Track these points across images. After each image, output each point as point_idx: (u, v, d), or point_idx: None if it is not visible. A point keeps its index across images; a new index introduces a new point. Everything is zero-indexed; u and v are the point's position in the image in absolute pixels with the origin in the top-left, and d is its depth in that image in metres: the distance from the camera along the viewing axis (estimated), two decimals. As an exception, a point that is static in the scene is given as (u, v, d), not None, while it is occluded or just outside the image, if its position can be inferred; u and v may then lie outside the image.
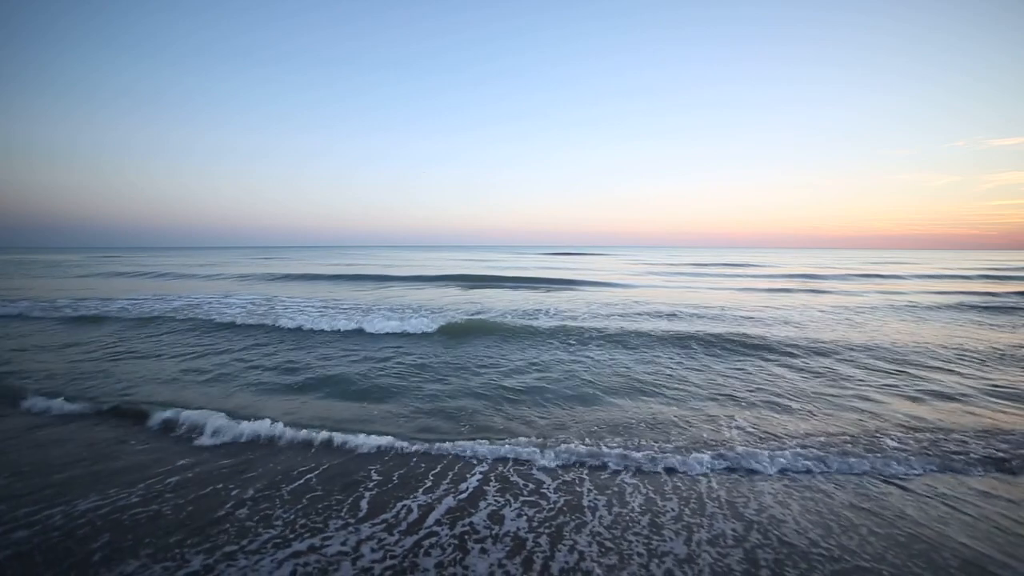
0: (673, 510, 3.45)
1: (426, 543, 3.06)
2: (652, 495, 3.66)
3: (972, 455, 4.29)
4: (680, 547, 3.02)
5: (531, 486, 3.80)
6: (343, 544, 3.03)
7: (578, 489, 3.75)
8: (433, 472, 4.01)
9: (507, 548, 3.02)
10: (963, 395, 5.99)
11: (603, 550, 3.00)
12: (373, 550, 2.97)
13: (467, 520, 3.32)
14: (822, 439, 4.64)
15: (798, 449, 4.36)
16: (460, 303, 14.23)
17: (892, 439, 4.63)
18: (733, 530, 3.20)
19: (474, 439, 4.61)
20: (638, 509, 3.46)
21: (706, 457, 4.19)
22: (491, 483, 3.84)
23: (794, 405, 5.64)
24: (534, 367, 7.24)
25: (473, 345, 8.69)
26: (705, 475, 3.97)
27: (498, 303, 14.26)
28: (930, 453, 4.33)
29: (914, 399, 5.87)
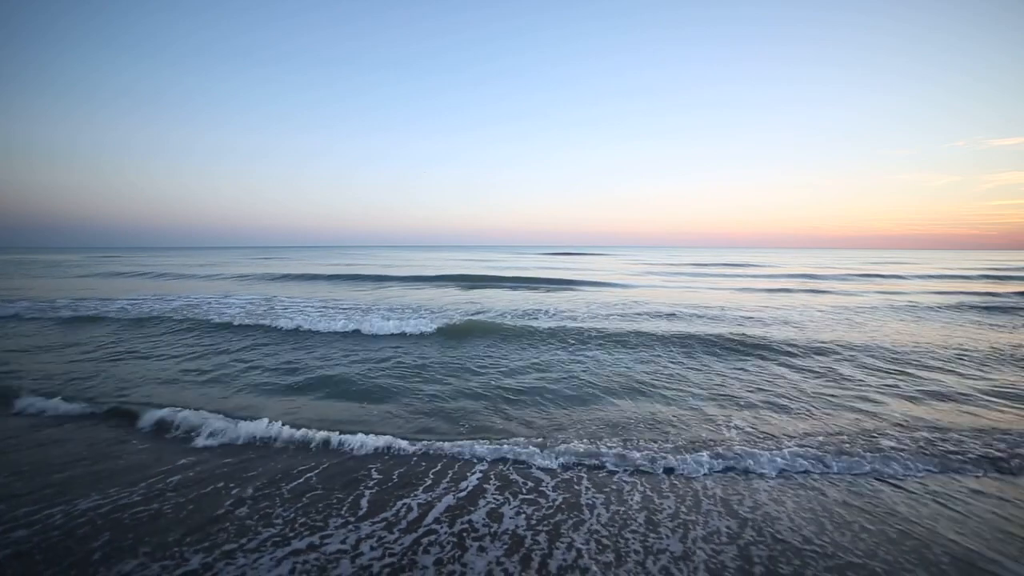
0: (670, 508, 3.46)
1: (425, 541, 3.07)
2: (649, 493, 3.67)
3: (969, 455, 4.30)
4: (676, 544, 3.04)
5: (530, 484, 3.82)
6: (343, 542, 3.04)
7: (576, 488, 3.77)
8: (433, 471, 4.03)
9: (505, 546, 3.04)
10: (962, 395, 6.00)
11: (600, 547, 3.01)
12: (372, 548, 2.99)
13: (466, 518, 3.34)
14: (820, 439, 4.66)
15: (795, 448, 4.38)
16: (460, 303, 14.25)
17: (890, 439, 4.64)
18: (728, 528, 3.22)
19: (474, 439, 4.62)
20: (636, 507, 3.48)
21: (704, 457, 4.20)
22: (490, 481, 3.85)
23: (793, 405, 5.66)
24: (534, 367, 7.25)
25: (473, 345, 8.71)
26: (703, 475, 3.98)
27: (498, 303, 14.28)
28: (927, 453, 4.35)
29: (913, 399, 5.88)
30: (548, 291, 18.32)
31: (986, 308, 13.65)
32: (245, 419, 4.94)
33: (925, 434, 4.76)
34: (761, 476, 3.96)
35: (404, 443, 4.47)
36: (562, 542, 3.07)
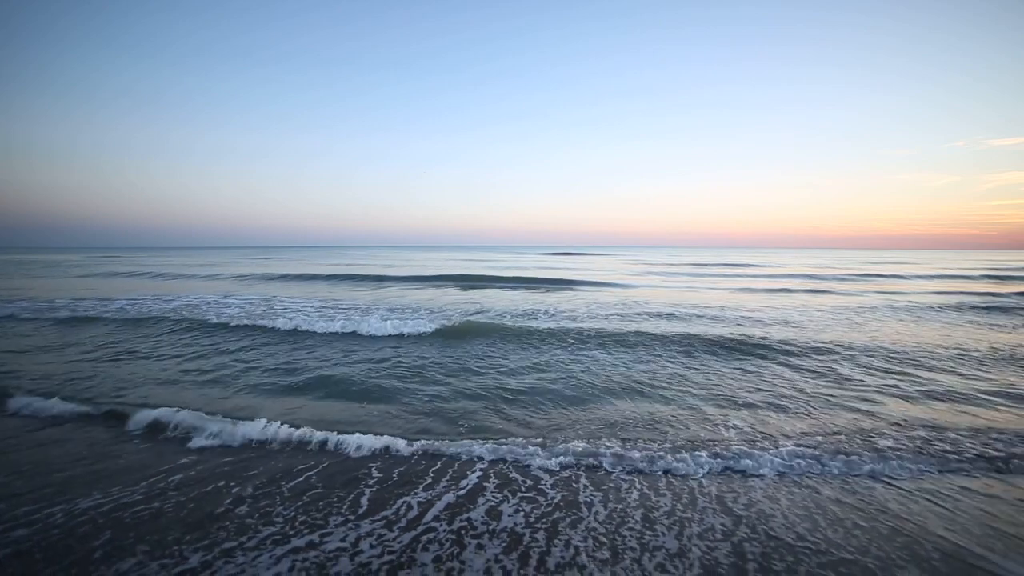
0: (666, 507, 3.49)
1: (424, 538, 3.09)
2: (647, 492, 3.69)
3: (966, 454, 4.32)
4: (671, 542, 3.07)
5: (528, 483, 3.84)
6: (343, 540, 3.06)
7: (575, 486, 3.79)
8: (433, 470, 4.05)
9: (504, 543, 3.05)
10: (961, 395, 6.02)
11: (597, 544, 3.04)
12: (372, 545, 3.00)
13: (465, 516, 3.36)
14: (818, 438, 4.67)
15: (793, 448, 4.40)
16: (459, 303, 14.27)
17: (887, 438, 4.66)
18: (723, 525, 3.25)
19: (473, 439, 4.64)
20: (633, 505, 3.50)
21: (702, 456, 4.22)
22: (490, 480, 3.87)
23: (791, 405, 5.67)
24: (533, 367, 7.27)
25: (472, 345, 8.72)
26: (700, 474, 4.00)
27: (497, 303, 14.30)
28: (924, 452, 4.36)
29: (912, 399, 5.90)
30: (548, 291, 18.34)
31: (986, 308, 13.67)
32: (244, 419, 4.95)
33: (922, 433, 4.78)
34: (757, 475, 3.98)
35: (403, 443, 4.48)
36: (560, 539, 3.09)
